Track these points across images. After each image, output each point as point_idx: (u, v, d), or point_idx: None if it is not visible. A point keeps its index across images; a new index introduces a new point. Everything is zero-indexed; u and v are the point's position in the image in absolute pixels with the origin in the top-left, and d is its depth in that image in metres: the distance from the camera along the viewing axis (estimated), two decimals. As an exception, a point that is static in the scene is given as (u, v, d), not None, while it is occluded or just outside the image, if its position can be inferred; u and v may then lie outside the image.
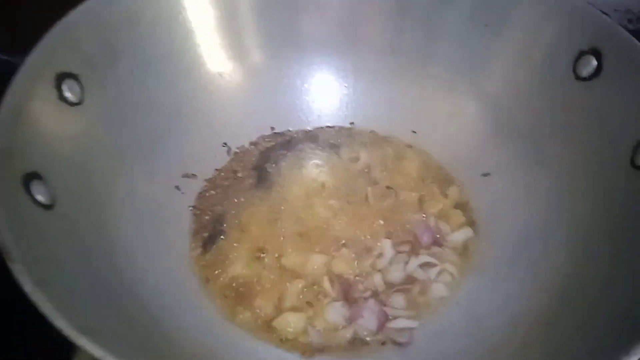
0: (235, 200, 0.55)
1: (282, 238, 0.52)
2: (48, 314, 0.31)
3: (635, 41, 0.46)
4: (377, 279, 0.50)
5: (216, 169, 0.57)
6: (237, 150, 0.59)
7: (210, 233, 0.53)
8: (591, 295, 0.41)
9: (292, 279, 0.50)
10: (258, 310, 0.48)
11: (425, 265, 0.51)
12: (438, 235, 0.53)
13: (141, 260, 0.46)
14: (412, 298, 0.50)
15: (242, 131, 0.59)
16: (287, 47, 0.59)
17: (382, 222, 0.54)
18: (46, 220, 0.39)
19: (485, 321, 0.46)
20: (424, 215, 0.54)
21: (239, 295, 0.49)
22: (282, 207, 0.55)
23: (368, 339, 0.47)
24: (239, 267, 0.50)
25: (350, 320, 0.48)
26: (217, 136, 0.58)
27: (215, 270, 0.50)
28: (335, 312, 0.48)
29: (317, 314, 0.48)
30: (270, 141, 0.60)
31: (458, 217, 0.54)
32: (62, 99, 0.44)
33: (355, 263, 0.51)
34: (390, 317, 0.48)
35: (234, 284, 0.50)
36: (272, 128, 0.60)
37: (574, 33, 0.49)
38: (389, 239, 0.52)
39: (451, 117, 0.58)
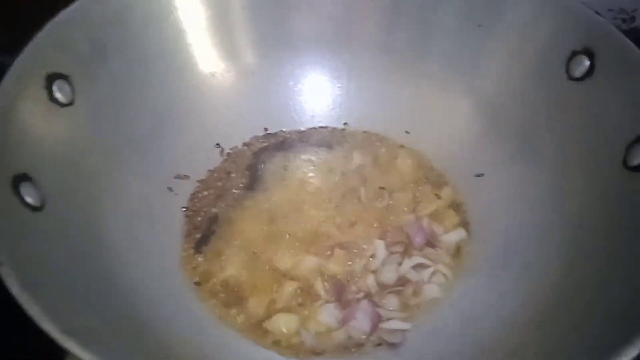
0: (228, 202, 0.55)
1: (275, 239, 0.52)
2: (35, 316, 0.31)
3: (628, 41, 0.45)
4: (370, 280, 0.50)
5: (209, 170, 0.57)
6: (230, 151, 0.58)
7: (202, 234, 0.52)
8: (586, 295, 0.41)
9: (284, 281, 0.49)
10: (250, 312, 0.48)
11: (418, 267, 0.51)
12: (431, 236, 0.53)
13: (132, 262, 0.46)
14: (405, 299, 0.49)
15: (235, 132, 0.59)
16: (279, 47, 0.58)
17: (375, 223, 0.53)
18: (35, 222, 0.38)
19: (479, 322, 0.46)
20: (418, 216, 0.54)
21: (231, 297, 0.49)
22: (275, 208, 0.54)
23: (361, 340, 0.47)
24: (231, 269, 0.50)
25: (343, 322, 0.48)
26: (209, 137, 0.58)
27: (207, 272, 0.50)
28: (328, 314, 0.48)
29: (309, 316, 0.48)
30: (263, 142, 0.59)
31: (451, 217, 0.54)
32: (53, 99, 0.44)
33: (348, 264, 0.51)
34: (384, 319, 0.48)
35: (226, 286, 0.49)
36: (266, 129, 0.60)
37: (567, 33, 0.49)
38: (382, 240, 0.52)
39: (445, 117, 0.58)
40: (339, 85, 0.61)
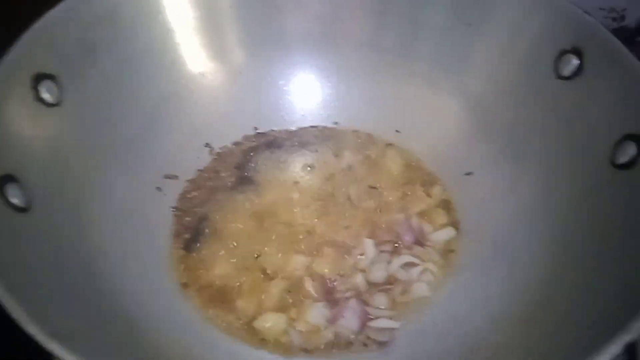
0: (218, 201, 0.55)
1: (264, 239, 0.52)
2: (18, 319, 0.31)
3: (617, 40, 0.45)
4: (359, 279, 0.50)
5: (198, 170, 0.57)
6: (220, 151, 0.58)
7: (191, 234, 0.52)
8: (573, 292, 0.41)
9: (273, 280, 0.49)
10: (239, 312, 0.48)
11: (407, 265, 0.51)
12: (420, 235, 0.53)
13: (120, 262, 0.46)
14: (394, 298, 0.50)
15: (224, 131, 0.58)
16: (269, 47, 0.58)
17: (364, 222, 0.53)
18: (21, 223, 0.38)
19: (467, 320, 0.46)
20: (407, 215, 0.54)
21: (219, 297, 0.49)
22: (265, 208, 0.54)
23: (350, 338, 0.47)
24: (220, 269, 0.50)
25: (332, 321, 0.48)
26: (199, 136, 0.57)
27: (196, 272, 0.50)
28: (316, 313, 0.48)
29: (298, 315, 0.48)
30: (253, 141, 0.59)
31: (441, 216, 0.54)
32: (39, 100, 0.44)
33: (337, 263, 0.51)
34: (372, 317, 0.48)
35: (215, 286, 0.49)
36: (256, 128, 0.60)
37: (556, 32, 0.49)
38: (371, 238, 0.52)
39: (434, 115, 0.58)
40: (329, 84, 0.61)
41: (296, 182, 0.57)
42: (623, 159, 0.42)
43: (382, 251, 0.52)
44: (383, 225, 0.53)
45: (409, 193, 0.56)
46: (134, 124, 0.52)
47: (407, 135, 0.59)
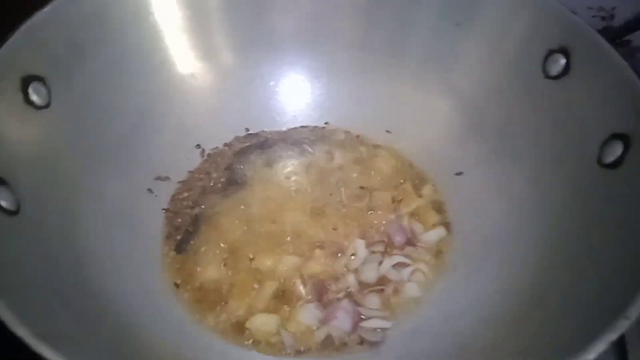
0: (209, 202, 0.55)
1: (255, 240, 0.52)
2: (7, 321, 0.31)
3: (603, 40, 0.46)
4: (351, 280, 0.50)
5: (189, 171, 0.57)
6: (211, 152, 0.58)
7: (183, 236, 0.52)
8: (561, 290, 0.42)
9: (264, 281, 0.50)
10: (231, 313, 0.48)
11: (398, 265, 0.51)
12: (411, 235, 0.53)
13: (111, 264, 0.46)
14: (385, 298, 0.50)
15: (215, 132, 0.59)
16: (258, 47, 0.58)
17: (355, 222, 0.54)
18: (10, 226, 0.38)
19: (458, 319, 0.47)
20: (398, 215, 0.54)
21: (211, 298, 0.49)
22: (256, 209, 0.54)
23: (342, 339, 0.47)
24: (211, 270, 0.50)
25: (324, 321, 0.48)
26: (190, 138, 0.58)
27: (187, 273, 0.50)
28: (308, 314, 0.48)
29: (290, 316, 0.48)
30: (244, 142, 0.59)
31: (431, 216, 0.54)
32: (28, 102, 0.44)
33: (329, 264, 0.51)
34: (364, 317, 0.48)
35: (206, 287, 0.49)
36: (247, 129, 0.60)
37: (544, 32, 0.49)
38: (362, 239, 0.52)
39: (425, 115, 0.59)
40: (320, 85, 0.61)
41: (287, 183, 0.57)
42: (610, 158, 0.43)
43: (373, 252, 0.52)
44: (374, 226, 0.53)
45: (400, 193, 0.56)
46: (124, 125, 0.52)
47: (398, 135, 0.59)
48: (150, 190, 0.54)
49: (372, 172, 0.57)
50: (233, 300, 0.49)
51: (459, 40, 0.55)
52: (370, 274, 0.51)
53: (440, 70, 0.57)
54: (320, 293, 0.49)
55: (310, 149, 0.59)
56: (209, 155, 0.58)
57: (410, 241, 0.53)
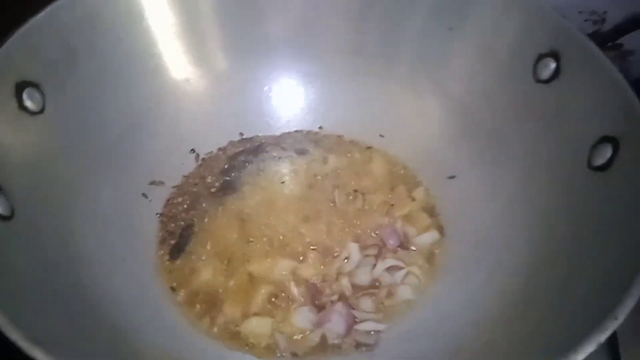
0: (203, 207, 0.55)
1: (249, 244, 0.52)
2: (0, 326, 0.31)
3: (592, 44, 0.46)
4: (345, 283, 0.50)
5: (184, 176, 0.57)
6: (205, 157, 0.59)
7: (177, 240, 0.53)
8: (553, 292, 0.42)
9: (259, 285, 0.50)
10: (225, 317, 0.48)
11: (392, 269, 0.51)
12: (404, 239, 0.53)
13: (105, 269, 0.46)
14: (379, 301, 0.50)
15: (210, 137, 0.59)
16: (252, 52, 0.59)
17: (349, 226, 0.54)
18: (4, 231, 0.38)
19: (451, 321, 0.47)
20: (391, 219, 0.54)
21: (206, 302, 0.49)
22: (250, 213, 0.55)
23: (336, 342, 0.48)
24: (206, 274, 0.50)
25: (319, 324, 0.48)
26: (184, 142, 0.58)
27: (182, 278, 0.50)
28: (302, 317, 0.48)
29: (284, 319, 0.48)
30: (238, 147, 0.60)
31: (424, 219, 0.55)
32: (22, 108, 0.44)
33: (323, 267, 0.51)
34: (358, 320, 0.49)
35: (201, 291, 0.50)
36: (241, 134, 0.60)
37: (534, 36, 0.50)
38: (356, 242, 0.53)
39: (418, 119, 0.59)
40: (313, 89, 0.61)
41: (281, 187, 0.57)
42: (600, 160, 0.43)
43: (366, 255, 0.52)
44: (367, 229, 0.54)
45: (393, 197, 0.56)
46: (118, 130, 0.53)
47: (391, 139, 0.60)
48: (144, 194, 0.54)
49: (366, 176, 0.58)
50: (228, 304, 0.49)
51: (450, 45, 0.55)
52: (363, 277, 0.51)
53: (433, 75, 0.57)
54: (314, 296, 0.50)
55: (304, 153, 0.59)
56: (203, 159, 0.58)
57: (404, 244, 0.53)
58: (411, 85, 0.58)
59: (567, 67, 0.48)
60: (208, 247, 0.52)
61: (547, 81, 0.49)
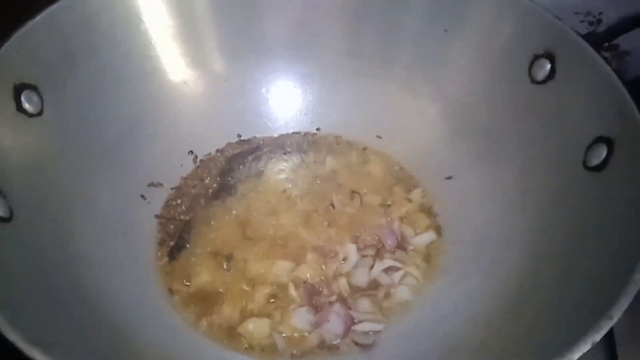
0: (202, 208, 0.55)
1: (248, 245, 0.53)
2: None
3: (587, 45, 0.46)
4: (343, 284, 0.51)
5: (182, 177, 0.57)
6: (204, 158, 0.59)
7: (176, 242, 0.53)
8: (548, 291, 0.42)
9: (257, 286, 0.50)
10: (224, 318, 0.48)
11: (389, 269, 0.52)
12: (402, 239, 0.54)
13: (104, 270, 0.46)
14: (377, 302, 0.50)
15: (208, 139, 0.59)
16: (249, 54, 0.59)
17: (347, 226, 0.54)
18: (3, 233, 0.38)
19: (448, 321, 0.47)
20: (389, 219, 0.55)
21: (204, 303, 0.49)
22: (248, 214, 0.55)
23: (334, 343, 0.48)
24: (204, 275, 0.51)
25: (317, 325, 0.48)
26: (183, 144, 0.58)
27: (181, 279, 0.50)
28: (301, 318, 0.49)
29: (283, 320, 0.48)
30: (237, 148, 0.60)
31: (422, 220, 0.55)
32: (21, 110, 0.44)
33: (321, 268, 0.51)
34: (356, 321, 0.49)
35: (200, 292, 0.50)
36: (239, 135, 0.61)
37: (529, 37, 0.50)
38: (354, 243, 0.53)
39: (415, 120, 0.59)
40: (311, 91, 0.62)
41: (279, 188, 0.57)
42: (595, 161, 0.43)
43: (364, 256, 0.52)
44: (365, 230, 0.54)
45: (391, 197, 0.56)
46: (117, 132, 0.53)
47: (388, 140, 0.60)
48: (143, 196, 0.54)
49: (364, 177, 0.58)
50: (226, 305, 0.49)
51: (447, 46, 0.56)
52: (361, 278, 0.51)
53: (430, 76, 0.58)
54: (313, 297, 0.50)
55: (301, 155, 0.60)
56: (201, 161, 0.59)
57: (401, 245, 0.53)
58: (408, 86, 0.59)
59: (562, 68, 0.48)
60: (206, 248, 0.52)
61: (542, 82, 0.49)
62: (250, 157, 0.59)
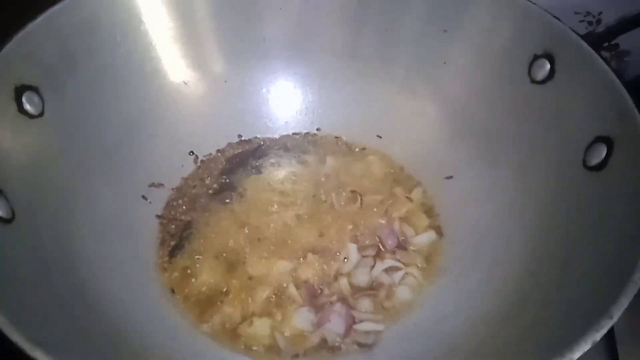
0: (202, 209, 0.55)
1: (248, 245, 0.53)
2: (2, 326, 0.31)
3: (586, 45, 0.47)
4: (344, 283, 0.51)
5: (183, 178, 0.57)
6: (204, 159, 0.59)
7: (177, 242, 0.53)
8: (547, 291, 0.42)
9: (258, 286, 0.50)
10: (225, 318, 0.48)
11: (390, 269, 0.52)
12: (402, 239, 0.54)
13: (106, 271, 0.46)
14: (378, 302, 0.50)
15: (209, 139, 0.59)
16: (249, 55, 0.59)
17: (347, 227, 0.54)
18: (5, 234, 0.39)
19: (448, 321, 0.47)
20: (389, 219, 0.55)
21: (205, 304, 0.49)
22: (249, 215, 0.55)
23: (336, 342, 0.48)
24: (205, 276, 0.51)
25: (318, 325, 0.48)
26: (183, 145, 0.58)
27: (182, 279, 0.51)
28: (302, 318, 0.49)
29: (284, 320, 0.49)
30: (237, 149, 0.60)
31: (422, 220, 0.55)
32: (22, 111, 0.44)
33: (322, 268, 0.51)
34: (357, 321, 0.49)
35: (200, 293, 0.50)
36: (240, 136, 0.61)
37: (528, 37, 0.50)
38: (354, 243, 0.53)
39: (414, 120, 0.59)
40: (311, 91, 0.62)
41: (280, 189, 0.57)
42: (595, 160, 0.44)
43: (365, 256, 0.53)
44: (366, 230, 0.54)
45: (391, 197, 0.57)
46: (117, 133, 0.53)
47: (388, 141, 0.60)
48: (144, 197, 0.54)
49: (363, 177, 0.58)
50: (227, 306, 0.49)
51: (446, 47, 0.56)
52: (362, 278, 0.51)
53: (429, 76, 0.58)
54: (314, 297, 0.50)
55: (302, 155, 0.60)
56: (202, 161, 0.59)
57: (402, 245, 0.53)
58: (408, 87, 0.59)
59: (561, 68, 0.48)
60: (207, 248, 0.53)
61: (542, 82, 0.49)
62: (250, 158, 0.59)
